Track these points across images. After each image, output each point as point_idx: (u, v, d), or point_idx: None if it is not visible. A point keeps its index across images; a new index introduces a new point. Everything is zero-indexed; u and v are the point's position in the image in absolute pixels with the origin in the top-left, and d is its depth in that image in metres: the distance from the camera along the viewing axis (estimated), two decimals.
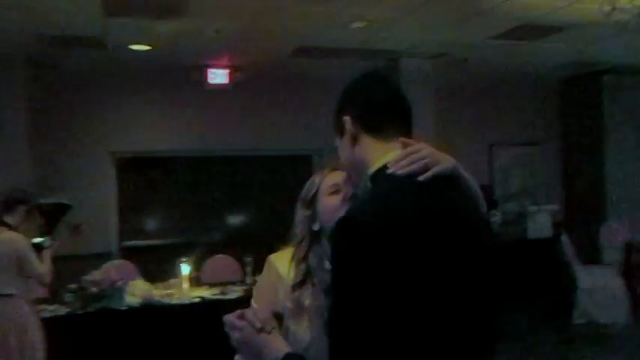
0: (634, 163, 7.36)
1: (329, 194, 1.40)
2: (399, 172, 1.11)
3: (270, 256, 1.48)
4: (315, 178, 1.44)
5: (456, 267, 1.04)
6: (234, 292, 4.28)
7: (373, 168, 1.17)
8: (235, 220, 7.07)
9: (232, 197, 6.97)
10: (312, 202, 1.42)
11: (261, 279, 1.50)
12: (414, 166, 1.11)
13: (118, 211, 6.49)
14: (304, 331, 1.34)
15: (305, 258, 1.39)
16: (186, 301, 4.12)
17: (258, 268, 4.77)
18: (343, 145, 1.24)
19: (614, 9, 3.70)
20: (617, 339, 5.44)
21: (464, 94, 7.46)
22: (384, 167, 1.14)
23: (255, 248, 4.80)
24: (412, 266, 1.00)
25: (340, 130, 1.24)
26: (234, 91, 6.39)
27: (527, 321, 5.63)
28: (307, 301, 1.34)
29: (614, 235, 6.73)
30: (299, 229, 1.42)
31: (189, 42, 5.30)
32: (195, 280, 4.53)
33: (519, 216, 7.05)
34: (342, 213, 1.30)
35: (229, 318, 1.23)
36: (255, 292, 1.49)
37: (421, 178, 1.11)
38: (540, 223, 6.80)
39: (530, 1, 4.33)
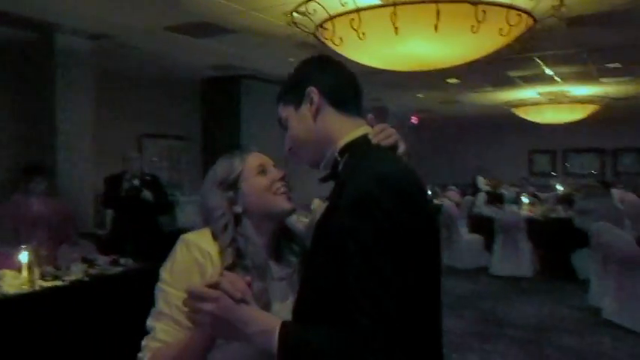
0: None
1: (256, 174, 1.36)
2: (384, 143, 1.20)
3: (187, 236, 1.30)
4: (234, 161, 1.38)
5: (432, 220, 1.13)
6: None
7: (346, 139, 1.19)
8: None
9: None
10: (233, 185, 1.35)
11: (176, 260, 1.27)
12: (391, 140, 1.21)
13: None
14: None
15: (233, 241, 1.29)
16: None
17: None
18: (300, 116, 1.22)
19: (294, 22, 4.21)
20: None
21: (123, 81, 7.14)
22: (362, 139, 1.19)
23: None
24: (427, 223, 1.07)
25: (298, 101, 1.22)
26: None
27: None
28: None
29: None
30: (219, 212, 1.33)
31: None
32: None
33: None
34: (273, 192, 1.34)
35: (197, 289, 1.03)
36: (167, 277, 1.26)
37: (401, 149, 1.22)
38: (189, 213, 7.12)
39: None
